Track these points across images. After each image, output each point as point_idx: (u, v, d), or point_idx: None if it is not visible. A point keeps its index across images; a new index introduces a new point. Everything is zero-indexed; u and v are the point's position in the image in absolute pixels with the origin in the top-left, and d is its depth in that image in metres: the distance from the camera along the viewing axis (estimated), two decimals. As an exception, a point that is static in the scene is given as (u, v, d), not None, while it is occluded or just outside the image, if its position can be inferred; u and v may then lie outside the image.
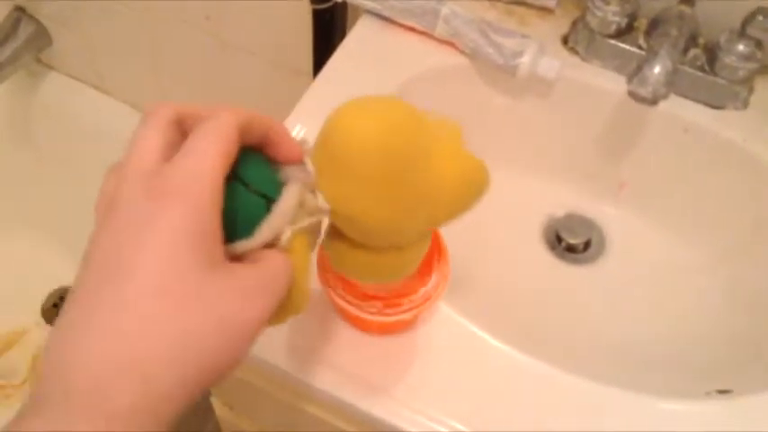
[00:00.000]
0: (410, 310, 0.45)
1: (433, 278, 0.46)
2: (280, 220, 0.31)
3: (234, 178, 0.30)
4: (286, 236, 0.31)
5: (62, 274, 1.16)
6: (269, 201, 0.31)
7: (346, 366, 0.47)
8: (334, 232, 0.37)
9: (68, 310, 0.28)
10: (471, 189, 0.37)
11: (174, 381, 0.27)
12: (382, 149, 0.32)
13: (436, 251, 0.47)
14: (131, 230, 0.27)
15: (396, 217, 0.34)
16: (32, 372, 1.09)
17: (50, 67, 1.08)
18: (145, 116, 0.30)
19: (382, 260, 0.38)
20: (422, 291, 0.45)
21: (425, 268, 0.46)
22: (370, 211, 0.33)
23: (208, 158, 0.28)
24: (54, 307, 1.15)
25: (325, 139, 0.33)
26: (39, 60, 1.07)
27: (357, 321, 0.48)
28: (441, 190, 0.35)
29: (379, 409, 0.46)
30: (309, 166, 0.33)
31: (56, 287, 1.16)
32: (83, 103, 1.07)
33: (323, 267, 0.45)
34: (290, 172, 0.32)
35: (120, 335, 0.26)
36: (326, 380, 0.47)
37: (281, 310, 0.31)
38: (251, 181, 0.30)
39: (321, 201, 0.33)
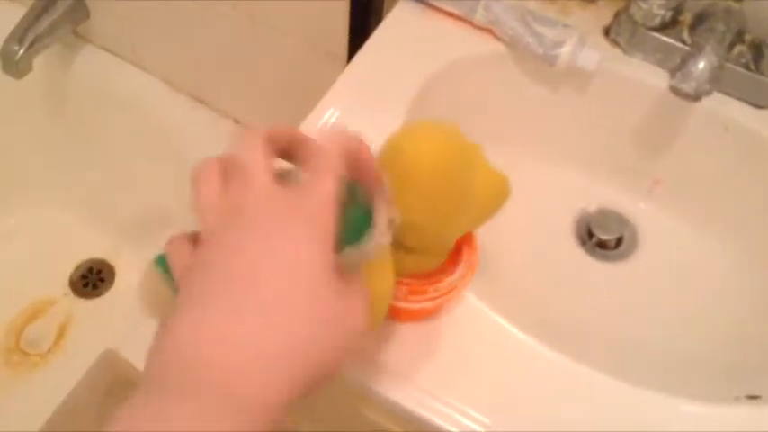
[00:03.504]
0: (434, 298, 0.45)
1: (461, 268, 0.46)
2: (382, 229, 0.36)
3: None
4: (381, 246, 0.36)
5: (91, 246, 1.18)
6: (370, 214, 0.36)
7: (369, 352, 0.47)
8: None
9: (195, 304, 0.30)
10: (498, 199, 0.44)
11: (291, 386, 0.30)
12: (443, 169, 0.39)
13: (466, 241, 0.46)
14: (266, 243, 0.31)
15: (446, 222, 0.41)
16: (58, 341, 1.10)
17: (87, 41, 1.09)
18: (245, 137, 0.34)
19: (423, 260, 0.44)
20: (447, 280, 0.45)
21: (454, 258, 0.46)
22: (427, 219, 0.40)
23: (330, 193, 0.33)
24: (82, 278, 1.16)
25: (394, 160, 0.39)
26: (76, 34, 1.08)
27: None
28: (476, 200, 0.42)
29: (398, 395, 0.45)
30: (386, 184, 0.37)
31: (84, 258, 1.18)
32: (117, 77, 1.08)
33: None
34: (372, 189, 0.37)
35: (252, 337, 0.29)
36: (349, 365, 0.46)
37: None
38: (357, 199, 0.36)
39: (395, 213, 0.37)
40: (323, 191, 0.33)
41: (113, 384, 0.93)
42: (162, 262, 0.36)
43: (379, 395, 0.46)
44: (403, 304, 0.44)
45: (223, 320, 0.29)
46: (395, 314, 0.48)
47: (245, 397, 0.28)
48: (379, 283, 0.39)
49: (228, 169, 0.33)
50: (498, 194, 0.44)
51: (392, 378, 0.46)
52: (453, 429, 0.44)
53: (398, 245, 0.41)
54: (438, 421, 0.45)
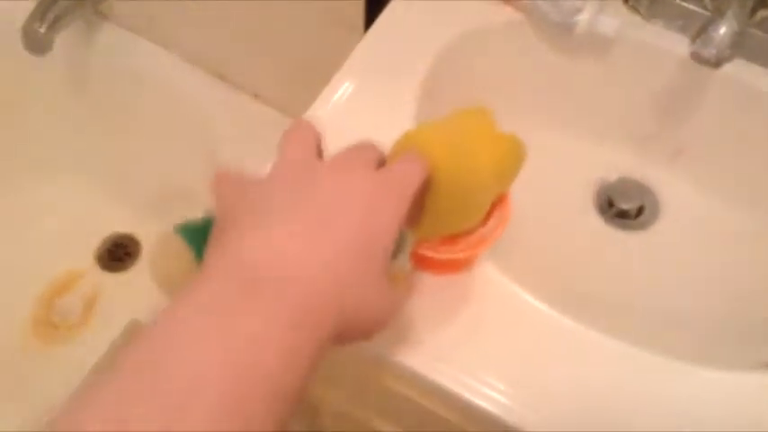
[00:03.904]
0: (465, 250, 0.44)
1: (492, 221, 0.45)
2: (407, 249, 0.39)
3: None
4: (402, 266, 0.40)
5: (117, 220, 1.19)
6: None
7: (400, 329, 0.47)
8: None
9: (261, 223, 0.32)
10: (515, 163, 0.44)
11: (336, 318, 0.31)
12: (447, 167, 0.39)
13: (499, 197, 0.46)
14: (347, 185, 0.34)
15: (467, 213, 0.43)
16: (86, 313, 1.13)
17: (106, 18, 1.10)
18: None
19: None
20: (479, 232, 0.45)
21: (489, 214, 0.46)
22: (447, 219, 0.42)
23: (419, 178, 0.36)
24: (108, 252, 1.18)
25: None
26: (97, 11, 1.09)
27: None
28: (488, 174, 0.41)
29: (413, 360, 0.46)
30: None
31: (110, 233, 1.20)
32: (137, 54, 1.08)
33: None
34: None
35: (313, 256, 0.31)
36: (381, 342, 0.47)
37: None
38: None
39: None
40: (413, 173, 0.36)
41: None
42: (185, 231, 0.37)
43: (395, 362, 0.46)
44: (433, 254, 0.44)
45: (288, 237, 0.31)
46: (426, 265, 0.48)
47: (305, 307, 0.30)
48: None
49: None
50: (512, 160, 0.44)
51: (409, 345, 0.47)
52: (469, 396, 0.45)
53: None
54: (454, 388, 0.45)
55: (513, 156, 0.44)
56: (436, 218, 0.41)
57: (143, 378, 0.26)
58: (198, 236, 0.36)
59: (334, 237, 0.32)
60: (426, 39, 0.60)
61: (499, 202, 0.46)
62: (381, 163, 0.37)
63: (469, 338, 0.47)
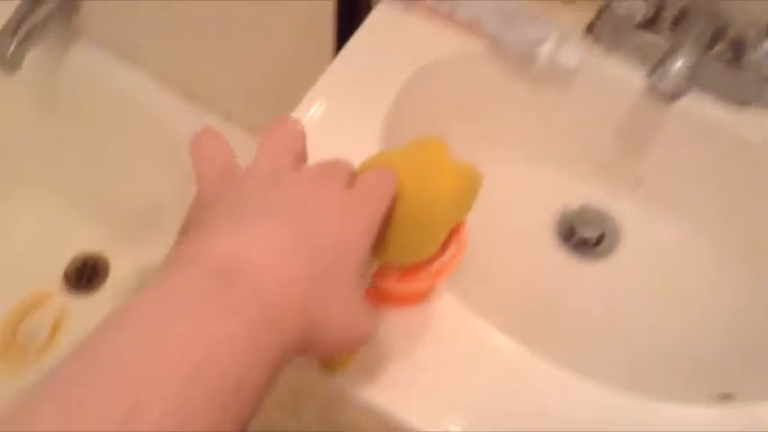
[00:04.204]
0: (425, 280, 0.44)
1: (449, 251, 0.45)
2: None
3: None
4: None
5: (85, 240, 1.18)
6: None
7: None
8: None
9: (232, 218, 0.32)
10: (469, 194, 0.44)
11: (298, 304, 0.31)
12: (407, 196, 0.39)
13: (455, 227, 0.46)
14: (324, 192, 0.35)
15: (424, 235, 0.42)
16: (54, 335, 1.11)
17: (78, 36, 1.09)
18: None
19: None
20: (438, 261, 0.44)
21: (445, 244, 0.45)
22: (403, 249, 0.41)
23: (389, 197, 0.37)
24: (77, 272, 1.17)
25: None
26: (68, 29, 1.08)
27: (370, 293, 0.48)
28: (438, 203, 0.41)
29: (374, 397, 0.46)
30: None
31: (78, 253, 1.18)
32: (109, 72, 1.08)
33: None
34: None
35: (284, 252, 0.31)
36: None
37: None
38: None
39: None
40: (386, 186, 0.36)
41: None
42: None
43: (355, 398, 0.46)
44: (393, 286, 0.44)
45: (266, 240, 0.32)
46: (383, 299, 0.48)
47: (274, 310, 0.30)
48: None
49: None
50: (471, 189, 0.44)
51: (367, 379, 0.46)
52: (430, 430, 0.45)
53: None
54: (414, 423, 0.45)
55: (470, 185, 0.44)
56: (395, 246, 0.41)
57: (98, 371, 0.26)
58: None
59: (310, 245, 0.32)
60: (394, 66, 0.60)
61: (456, 230, 0.46)
62: (352, 181, 0.38)
63: (427, 372, 0.47)
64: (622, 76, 0.60)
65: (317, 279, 0.32)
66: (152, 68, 1.06)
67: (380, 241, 0.39)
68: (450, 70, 0.63)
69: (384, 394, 0.46)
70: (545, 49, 0.58)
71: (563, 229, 0.66)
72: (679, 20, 0.59)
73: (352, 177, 0.38)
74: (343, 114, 0.58)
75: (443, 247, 0.45)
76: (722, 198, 0.62)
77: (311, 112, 0.58)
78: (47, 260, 1.17)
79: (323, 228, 0.33)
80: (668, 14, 0.60)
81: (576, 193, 0.66)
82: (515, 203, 0.66)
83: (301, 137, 0.39)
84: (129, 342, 0.27)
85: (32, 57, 1.02)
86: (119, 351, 0.27)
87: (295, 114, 0.58)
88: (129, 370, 0.26)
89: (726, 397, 0.49)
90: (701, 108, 0.59)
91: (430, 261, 0.45)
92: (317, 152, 0.54)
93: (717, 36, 0.58)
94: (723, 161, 0.60)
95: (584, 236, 0.64)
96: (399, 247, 0.41)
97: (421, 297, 0.49)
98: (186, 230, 0.34)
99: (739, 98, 0.59)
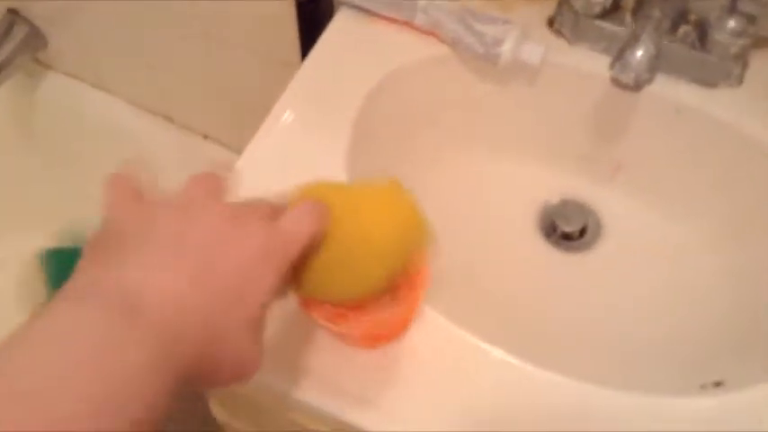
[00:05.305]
0: (350, 328, 0.43)
1: (403, 306, 0.44)
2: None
3: None
4: None
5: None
6: None
7: (331, 377, 0.47)
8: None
9: (142, 249, 0.33)
10: (406, 240, 0.41)
11: (194, 339, 0.32)
12: (336, 230, 0.38)
13: (409, 280, 0.44)
14: (226, 238, 0.34)
15: (349, 273, 0.40)
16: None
17: (48, 67, 1.08)
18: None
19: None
20: (368, 317, 0.43)
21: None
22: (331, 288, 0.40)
23: (306, 236, 0.36)
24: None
25: None
26: (36, 61, 1.07)
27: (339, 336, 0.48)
28: (370, 243, 0.39)
29: (361, 420, 0.45)
30: None
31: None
32: (82, 101, 1.07)
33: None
34: None
35: (182, 291, 0.32)
36: (310, 390, 0.46)
37: None
38: None
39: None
40: (302, 230, 0.36)
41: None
42: (48, 257, 0.37)
43: (340, 419, 0.46)
44: (324, 323, 0.43)
45: (170, 273, 0.32)
46: (351, 342, 0.48)
47: (172, 342, 0.30)
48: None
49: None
50: (416, 235, 0.41)
51: (353, 402, 0.46)
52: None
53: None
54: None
55: (415, 231, 0.41)
56: (315, 282, 0.39)
57: None
58: (60, 263, 0.36)
59: (214, 282, 0.33)
60: (358, 74, 0.60)
61: (412, 278, 0.43)
62: (277, 213, 0.37)
63: (410, 386, 0.46)
64: (588, 67, 0.60)
65: (215, 320, 0.32)
66: (125, 95, 1.06)
67: (301, 273, 0.38)
68: (416, 74, 0.62)
69: (364, 414, 0.45)
70: (506, 49, 0.58)
71: (545, 225, 0.65)
72: (637, 9, 0.58)
73: (275, 212, 0.37)
74: (312, 121, 0.58)
75: (394, 294, 0.43)
76: (701, 180, 0.61)
77: (282, 120, 0.58)
78: (27, 297, 1.16)
79: (230, 270, 0.33)
80: (628, 3, 0.59)
81: (556, 187, 0.66)
82: (496, 202, 0.66)
83: (224, 182, 0.38)
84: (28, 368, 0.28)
85: (3, 92, 1.01)
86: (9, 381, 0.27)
87: (266, 125, 0.58)
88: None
89: (717, 385, 0.48)
90: (671, 91, 0.58)
91: (376, 302, 0.43)
92: (291, 160, 0.56)
93: (680, 20, 0.58)
94: (698, 143, 0.60)
95: (565, 230, 0.64)
96: (320, 283, 0.39)
97: (389, 339, 0.47)
98: (93, 256, 0.34)
99: (708, 79, 0.59)
